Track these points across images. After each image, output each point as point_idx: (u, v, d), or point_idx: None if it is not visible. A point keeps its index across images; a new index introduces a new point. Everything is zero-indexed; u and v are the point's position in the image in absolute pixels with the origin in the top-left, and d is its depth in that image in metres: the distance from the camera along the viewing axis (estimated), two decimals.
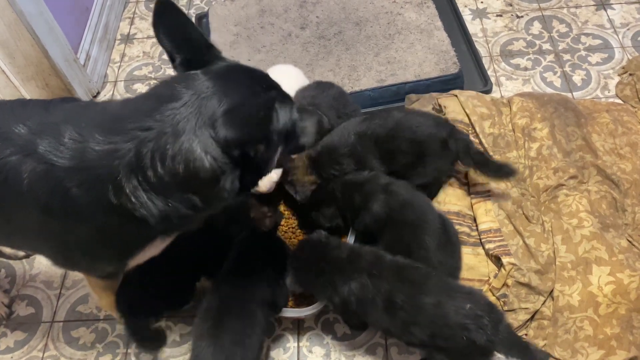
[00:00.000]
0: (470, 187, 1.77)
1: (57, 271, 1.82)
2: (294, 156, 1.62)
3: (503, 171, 1.63)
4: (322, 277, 1.41)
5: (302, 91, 1.84)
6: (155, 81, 2.36)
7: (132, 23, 2.62)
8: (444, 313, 1.29)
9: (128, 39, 2.55)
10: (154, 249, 1.21)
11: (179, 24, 1.09)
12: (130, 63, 2.45)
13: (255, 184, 1.13)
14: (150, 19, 2.61)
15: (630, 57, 2.23)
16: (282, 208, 1.82)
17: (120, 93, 2.33)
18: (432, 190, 1.76)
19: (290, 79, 1.92)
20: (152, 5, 2.67)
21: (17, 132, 1.05)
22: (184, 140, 0.96)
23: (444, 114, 1.90)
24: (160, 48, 2.44)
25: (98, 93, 2.32)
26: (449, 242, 1.55)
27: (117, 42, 2.54)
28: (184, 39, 1.09)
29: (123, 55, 2.48)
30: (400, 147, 1.66)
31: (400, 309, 1.32)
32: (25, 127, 1.05)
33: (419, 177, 1.69)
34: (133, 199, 0.99)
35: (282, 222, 1.78)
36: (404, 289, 1.33)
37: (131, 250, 1.16)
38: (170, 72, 2.37)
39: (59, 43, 2.05)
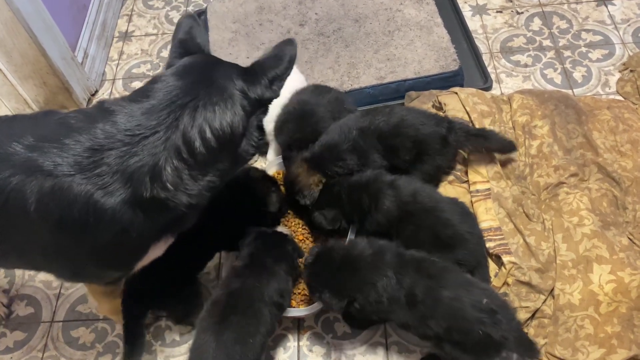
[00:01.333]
0: (470, 186, 1.76)
1: None
2: (293, 165, 1.66)
3: (505, 143, 1.74)
4: (355, 278, 1.39)
5: (298, 95, 1.82)
6: None
7: (130, 20, 2.60)
8: (462, 307, 1.31)
9: (126, 36, 2.54)
10: (158, 250, 1.22)
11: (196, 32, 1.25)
12: (128, 61, 2.43)
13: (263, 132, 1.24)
14: (148, 16, 2.60)
15: (631, 54, 2.22)
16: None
17: (118, 91, 2.32)
18: None
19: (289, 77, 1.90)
20: (150, 2, 2.67)
21: (12, 151, 1.01)
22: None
23: (444, 112, 1.89)
24: (158, 45, 2.44)
25: (96, 91, 2.31)
26: (465, 213, 1.58)
27: (115, 39, 2.53)
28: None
29: (121, 53, 2.47)
30: (403, 143, 1.67)
31: (421, 302, 1.33)
32: (20, 145, 1.01)
33: (418, 174, 1.70)
34: (170, 185, 1.05)
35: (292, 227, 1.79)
36: (423, 282, 1.35)
37: (142, 252, 1.16)
38: None
39: (56, 41, 2.04)
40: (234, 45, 2.26)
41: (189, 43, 1.24)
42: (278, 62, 1.21)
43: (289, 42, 1.24)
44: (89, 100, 2.27)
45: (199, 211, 1.17)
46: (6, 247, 1.11)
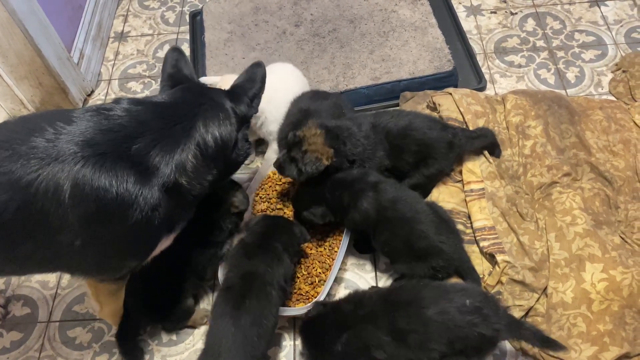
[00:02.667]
0: (464, 185, 1.78)
1: None
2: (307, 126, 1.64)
3: (497, 145, 1.83)
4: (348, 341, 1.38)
5: (297, 102, 1.83)
6: (149, 79, 2.35)
7: (125, 21, 2.60)
8: (451, 317, 1.32)
9: (122, 36, 2.54)
10: (167, 241, 1.33)
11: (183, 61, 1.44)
12: (124, 61, 2.44)
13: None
14: (143, 17, 2.60)
15: (623, 54, 2.24)
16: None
17: (114, 91, 2.32)
18: (426, 188, 1.78)
19: (289, 79, 1.91)
20: (145, 3, 2.68)
21: (35, 144, 1.07)
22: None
23: (439, 112, 1.90)
24: (154, 46, 2.45)
25: (92, 91, 2.31)
26: (442, 221, 1.59)
27: (110, 40, 2.53)
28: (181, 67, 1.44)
29: (117, 54, 2.47)
30: (409, 146, 1.70)
31: (410, 332, 1.33)
32: (42, 138, 1.08)
33: (420, 177, 1.73)
34: (190, 174, 1.22)
35: None
36: (402, 312, 1.35)
37: (160, 237, 1.26)
38: None
39: (52, 41, 2.04)
40: (229, 45, 2.27)
41: (177, 75, 1.41)
42: (253, 83, 1.45)
43: (258, 65, 1.48)
44: (85, 101, 2.27)
45: (195, 206, 1.32)
46: (28, 248, 1.11)
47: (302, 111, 1.77)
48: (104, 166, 1.09)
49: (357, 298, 1.43)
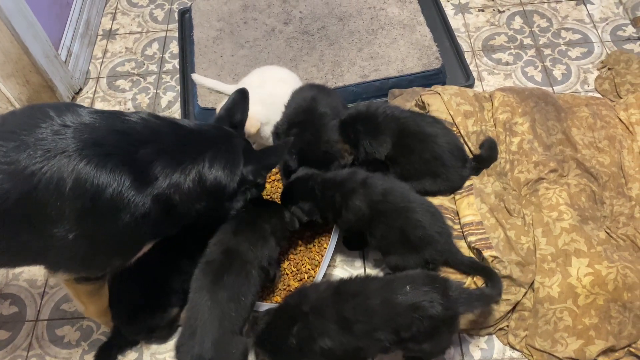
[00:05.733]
0: None
1: (40, 269, 1.81)
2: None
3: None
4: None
5: (301, 91, 1.82)
6: (138, 77, 2.35)
7: (114, 18, 2.59)
8: (392, 304, 1.32)
9: (110, 34, 2.53)
10: (147, 248, 1.32)
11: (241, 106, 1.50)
12: (112, 59, 2.43)
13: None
14: (132, 14, 2.59)
15: (609, 52, 2.27)
16: None
17: (102, 89, 2.31)
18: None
19: (285, 83, 1.91)
20: (134, 0, 2.66)
21: (42, 136, 1.09)
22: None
23: (428, 112, 1.91)
24: (142, 43, 2.44)
25: (80, 90, 2.30)
26: (436, 212, 1.59)
27: (99, 37, 2.52)
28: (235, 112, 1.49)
29: (105, 51, 2.46)
30: (423, 152, 1.71)
31: (356, 322, 1.33)
32: (48, 129, 1.10)
33: (421, 185, 1.74)
34: (184, 195, 1.24)
35: None
36: (349, 303, 1.35)
37: (144, 242, 1.29)
38: (153, 67, 2.36)
39: (39, 39, 2.03)
40: (218, 43, 2.27)
41: (223, 120, 1.47)
42: (272, 157, 1.46)
43: (285, 146, 1.53)
44: (73, 99, 2.26)
45: (179, 226, 1.33)
46: (23, 239, 1.13)
47: (306, 100, 1.77)
48: (106, 167, 1.12)
49: (303, 291, 1.42)
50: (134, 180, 1.15)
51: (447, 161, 1.72)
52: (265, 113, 1.80)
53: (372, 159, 1.74)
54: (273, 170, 1.87)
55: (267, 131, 1.84)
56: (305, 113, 1.72)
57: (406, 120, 1.75)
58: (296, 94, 1.81)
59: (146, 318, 1.55)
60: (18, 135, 1.09)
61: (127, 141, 1.18)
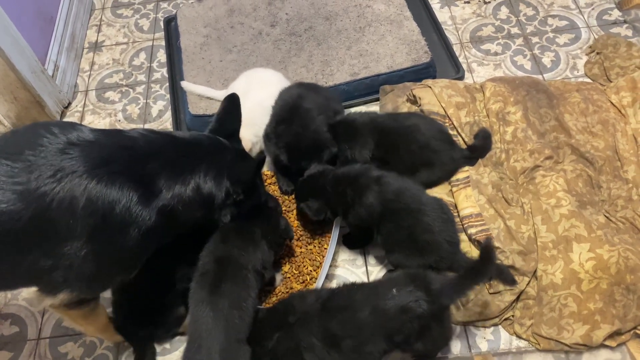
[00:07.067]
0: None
1: None
2: None
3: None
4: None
5: (287, 90, 1.82)
6: (127, 88, 2.33)
7: (99, 30, 2.57)
8: (382, 311, 1.30)
9: (96, 46, 2.51)
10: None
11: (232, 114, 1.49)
12: (100, 71, 2.41)
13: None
14: (117, 25, 2.58)
15: (596, 36, 2.27)
16: None
17: (92, 102, 2.29)
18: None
19: (273, 85, 1.90)
20: (118, 11, 2.65)
21: (50, 155, 1.11)
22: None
23: (419, 105, 1.91)
24: (130, 54, 2.42)
25: (69, 104, 2.28)
26: (448, 219, 1.57)
27: (85, 50, 2.50)
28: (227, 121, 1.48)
29: (92, 64, 2.44)
30: (408, 145, 1.71)
31: (344, 338, 1.31)
32: (56, 148, 1.12)
33: (419, 179, 1.72)
34: (186, 204, 1.27)
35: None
36: (337, 318, 1.33)
37: (146, 255, 1.29)
38: (142, 77, 2.35)
39: (24, 55, 2.01)
40: (206, 49, 2.26)
41: (216, 132, 1.46)
42: (244, 175, 1.41)
43: (259, 163, 1.46)
44: (62, 113, 2.24)
45: (176, 234, 1.34)
46: (33, 258, 1.13)
47: (292, 96, 1.78)
48: (115, 184, 1.15)
49: (290, 301, 1.41)
50: (141, 195, 1.18)
51: (434, 146, 1.71)
52: (252, 132, 1.79)
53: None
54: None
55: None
56: (291, 110, 1.73)
57: (383, 120, 1.77)
58: (283, 93, 1.83)
59: (149, 314, 1.55)
60: (25, 156, 1.10)
61: (133, 157, 1.22)
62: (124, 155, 1.20)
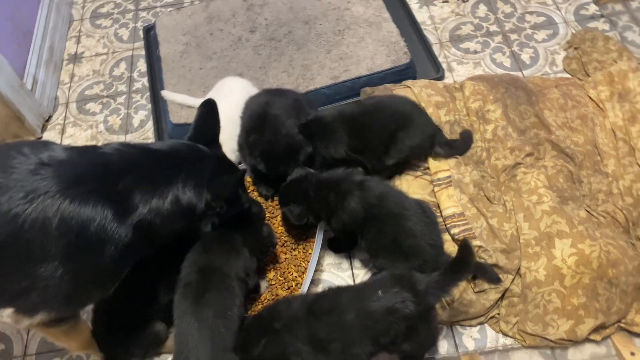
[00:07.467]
0: (432, 175, 1.79)
1: None
2: None
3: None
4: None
5: (254, 99, 1.82)
6: (108, 99, 2.32)
7: (78, 42, 2.56)
8: (368, 313, 1.30)
9: (76, 58, 2.49)
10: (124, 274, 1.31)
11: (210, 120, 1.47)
12: (80, 83, 2.39)
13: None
14: (97, 36, 2.56)
15: (574, 32, 2.29)
16: None
17: (73, 115, 2.28)
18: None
19: (237, 93, 1.90)
20: (97, 22, 2.63)
21: (20, 177, 1.10)
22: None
23: None
24: (110, 64, 2.41)
25: (50, 117, 2.27)
26: (431, 222, 1.57)
27: (65, 62, 2.48)
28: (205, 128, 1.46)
29: (72, 76, 2.43)
30: (381, 118, 1.73)
31: (331, 341, 1.31)
32: (27, 169, 1.11)
33: (396, 154, 1.74)
34: (164, 218, 1.25)
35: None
36: (322, 322, 1.32)
37: (124, 271, 1.28)
38: (123, 88, 2.33)
39: (1, 70, 1.99)
40: (185, 57, 2.25)
41: (195, 139, 1.43)
42: (223, 189, 1.38)
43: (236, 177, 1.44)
44: (43, 127, 2.23)
45: (158, 247, 1.32)
46: (8, 280, 1.13)
47: (260, 105, 1.77)
48: (89, 203, 1.13)
49: (276, 307, 1.41)
50: (115, 212, 1.17)
51: (405, 110, 1.76)
52: (229, 148, 1.77)
53: (332, 162, 1.74)
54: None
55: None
56: (259, 118, 1.73)
57: (349, 109, 1.79)
58: (250, 102, 1.82)
59: (130, 335, 1.52)
60: None
61: (107, 174, 1.20)
62: (97, 173, 1.19)
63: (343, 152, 1.73)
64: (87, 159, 1.20)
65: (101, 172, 1.19)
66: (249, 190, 1.85)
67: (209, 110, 1.47)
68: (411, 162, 1.84)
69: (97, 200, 1.14)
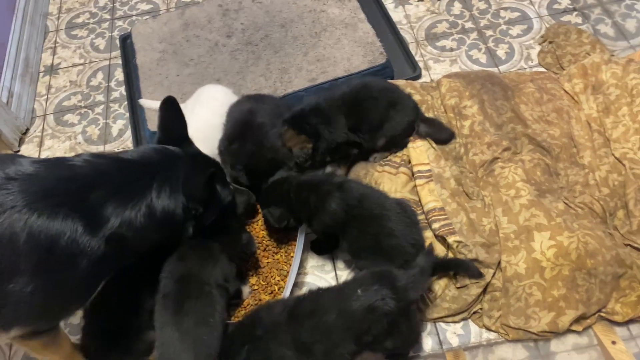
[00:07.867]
0: (412, 168, 1.80)
1: None
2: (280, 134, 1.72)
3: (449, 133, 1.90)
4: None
5: (236, 106, 1.82)
6: (86, 109, 2.30)
7: (54, 53, 2.54)
8: (349, 313, 1.30)
9: (52, 69, 2.48)
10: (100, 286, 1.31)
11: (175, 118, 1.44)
12: (57, 94, 2.38)
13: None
14: (73, 46, 2.55)
15: (547, 26, 2.31)
16: None
17: (51, 126, 2.26)
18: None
19: (218, 99, 1.89)
20: (73, 32, 2.61)
21: None
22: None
23: None
24: (87, 75, 2.40)
25: (27, 130, 2.25)
26: (412, 222, 1.58)
27: (41, 74, 2.46)
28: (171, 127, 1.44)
29: (49, 87, 2.41)
30: (371, 92, 1.81)
31: (314, 343, 1.31)
32: None
33: (390, 129, 1.80)
34: (137, 230, 1.23)
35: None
36: (304, 325, 1.32)
37: (100, 283, 1.27)
38: (100, 97, 2.32)
39: None
40: (162, 65, 2.24)
41: (164, 141, 1.42)
42: (198, 191, 1.35)
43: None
44: (21, 140, 2.21)
45: (136, 257, 1.32)
46: None
47: (243, 112, 1.77)
48: (58, 216, 1.11)
49: (257, 313, 1.40)
50: (86, 225, 1.15)
51: (389, 87, 1.85)
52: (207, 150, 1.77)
53: (335, 146, 1.75)
54: None
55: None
56: (243, 126, 1.72)
57: (341, 90, 1.82)
58: (233, 109, 1.81)
59: (121, 343, 1.51)
60: None
61: (75, 187, 1.18)
62: (66, 186, 1.17)
63: (344, 135, 1.76)
64: (56, 172, 1.18)
65: (71, 185, 1.17)
66: None
67: (170, 109, 1.44)
68: (392, 151, 1.88)
69: (67, 213, 1.12)
